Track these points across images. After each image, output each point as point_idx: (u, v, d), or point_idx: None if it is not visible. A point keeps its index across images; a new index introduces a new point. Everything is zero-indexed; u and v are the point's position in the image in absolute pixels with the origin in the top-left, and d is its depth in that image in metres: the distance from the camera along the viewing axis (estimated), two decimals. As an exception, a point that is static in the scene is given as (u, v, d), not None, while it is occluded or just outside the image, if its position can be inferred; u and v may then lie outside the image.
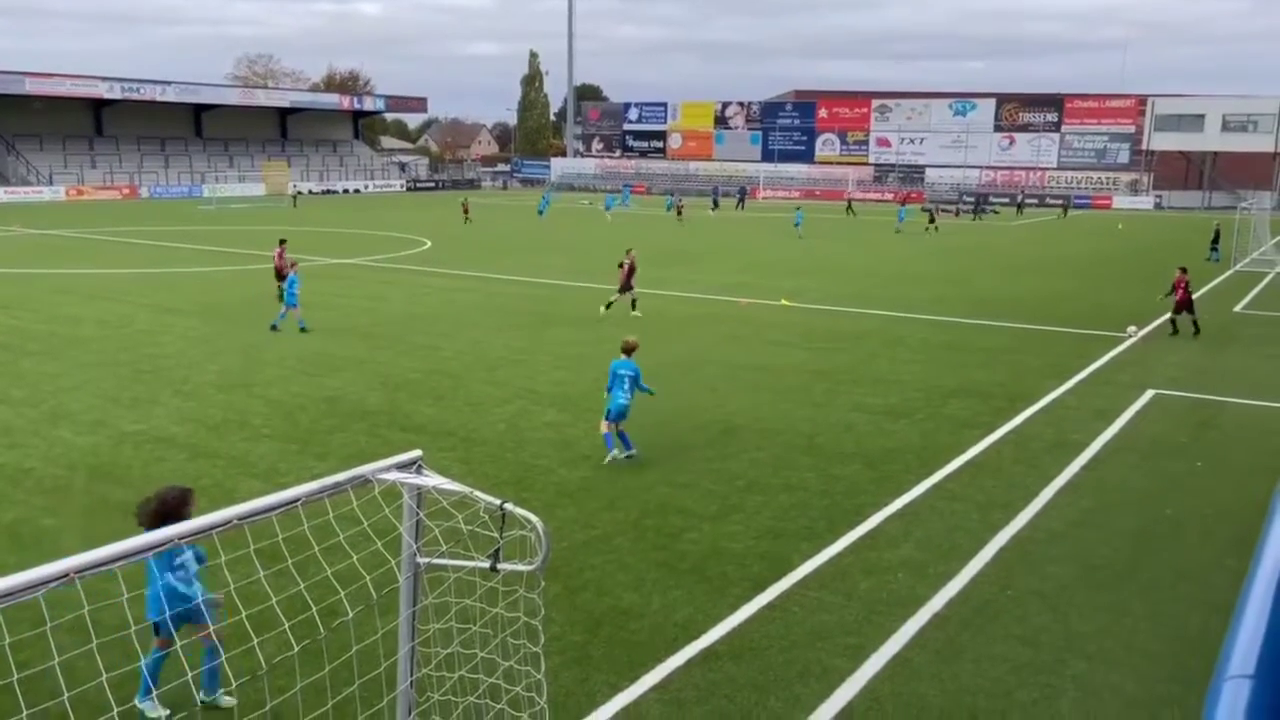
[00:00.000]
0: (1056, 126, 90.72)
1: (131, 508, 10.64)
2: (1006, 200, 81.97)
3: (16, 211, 59.59)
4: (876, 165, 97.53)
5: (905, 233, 52.16)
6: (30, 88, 76.69)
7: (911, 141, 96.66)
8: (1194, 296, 22.42)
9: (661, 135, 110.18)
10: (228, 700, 6.62)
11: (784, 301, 26.35)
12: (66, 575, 3.44)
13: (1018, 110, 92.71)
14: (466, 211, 56.47)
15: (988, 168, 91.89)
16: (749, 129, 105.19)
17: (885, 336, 21.74)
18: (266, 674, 5.29)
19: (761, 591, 8.75)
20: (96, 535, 9.73)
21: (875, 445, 13.35)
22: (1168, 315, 22.35)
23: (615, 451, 12.40)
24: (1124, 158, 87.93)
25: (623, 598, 8.63)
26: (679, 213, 60.42)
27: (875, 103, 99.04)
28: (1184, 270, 22.32)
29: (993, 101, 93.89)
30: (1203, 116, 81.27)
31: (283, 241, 26.07)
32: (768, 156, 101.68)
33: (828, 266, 36.23)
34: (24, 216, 55.17)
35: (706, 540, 9.95)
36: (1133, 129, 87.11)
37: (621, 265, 23.89)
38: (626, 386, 12.40)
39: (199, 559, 6.64)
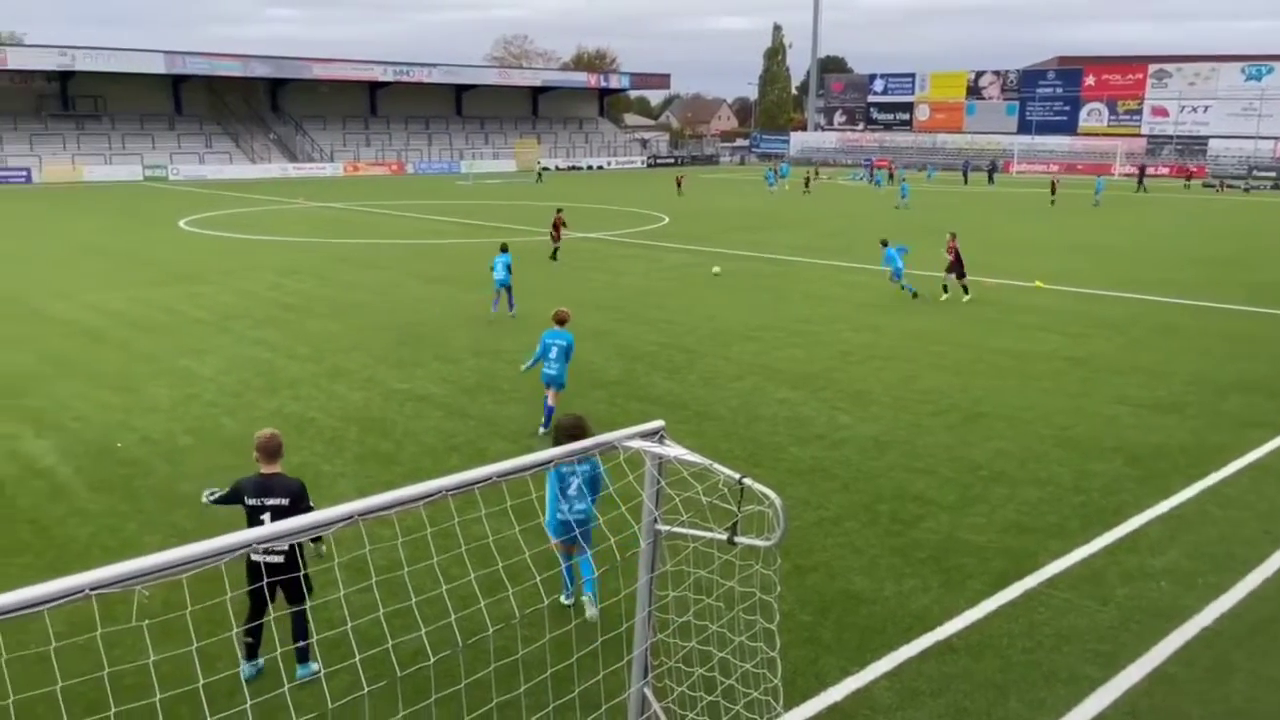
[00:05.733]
0: (1374, 90, 79.41)
1: (395, 458, 11.66)
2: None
3: (302, 186, 66.06)
4: (1150, 137, 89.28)
5: (1158, 207, 47.57)
6: (317, 72, 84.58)
7: (1193, 110, 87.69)
8: None
9: (908, 107, 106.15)
10: (591, 611, 7.10)
11: (1038, 283, 24.77)
12: (350, 518, 3.79)
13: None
14: (680, 185, 60.09)
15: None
16: (1004, 99, 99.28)
17: (1152, 323, 19.98)
18: (519, 622, 5.62)
19: (1004, 588, 8.33)
20: (367, 481, 10.72)
21: (1139, 441, 12.32)
22: None
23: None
24: None
25: (854, 582, 8.49)
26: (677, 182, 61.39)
27: (1152, 68, 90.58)
28: None
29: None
30: None
31: (560, 210, 29.92)
32: (1024, 128, 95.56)
33: (1087, 246, 33.68)
34: (307, 190, 61.06)
35: (945, 530, 9.58)
36: None
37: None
38: (553, 355, 12.18)
39: (592, 480, 7.05)
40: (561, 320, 12.49)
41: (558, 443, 6.78)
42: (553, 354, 12.21)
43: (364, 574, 4.66)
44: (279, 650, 6.30)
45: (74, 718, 3.87)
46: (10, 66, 71.47)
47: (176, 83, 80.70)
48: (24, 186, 66.18)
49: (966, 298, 22.27)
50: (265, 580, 6.26)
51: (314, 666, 6.74)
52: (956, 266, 22.29)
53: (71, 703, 4.54)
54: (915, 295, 22.58)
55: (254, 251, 31.55)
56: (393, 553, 4.79)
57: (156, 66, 76.21)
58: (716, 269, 26.58)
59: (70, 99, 77.06)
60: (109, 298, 22.45)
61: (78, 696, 5.83)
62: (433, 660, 4.41)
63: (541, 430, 12.37)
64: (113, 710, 3.71)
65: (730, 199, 56.82)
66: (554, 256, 28.70)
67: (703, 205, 50.97)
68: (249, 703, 3.64)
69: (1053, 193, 54.33)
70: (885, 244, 23.67)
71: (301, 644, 6.74)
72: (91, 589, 3.06)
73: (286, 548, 6.37)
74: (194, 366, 16.04)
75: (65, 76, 75.21)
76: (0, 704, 3.85)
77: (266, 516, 6.43)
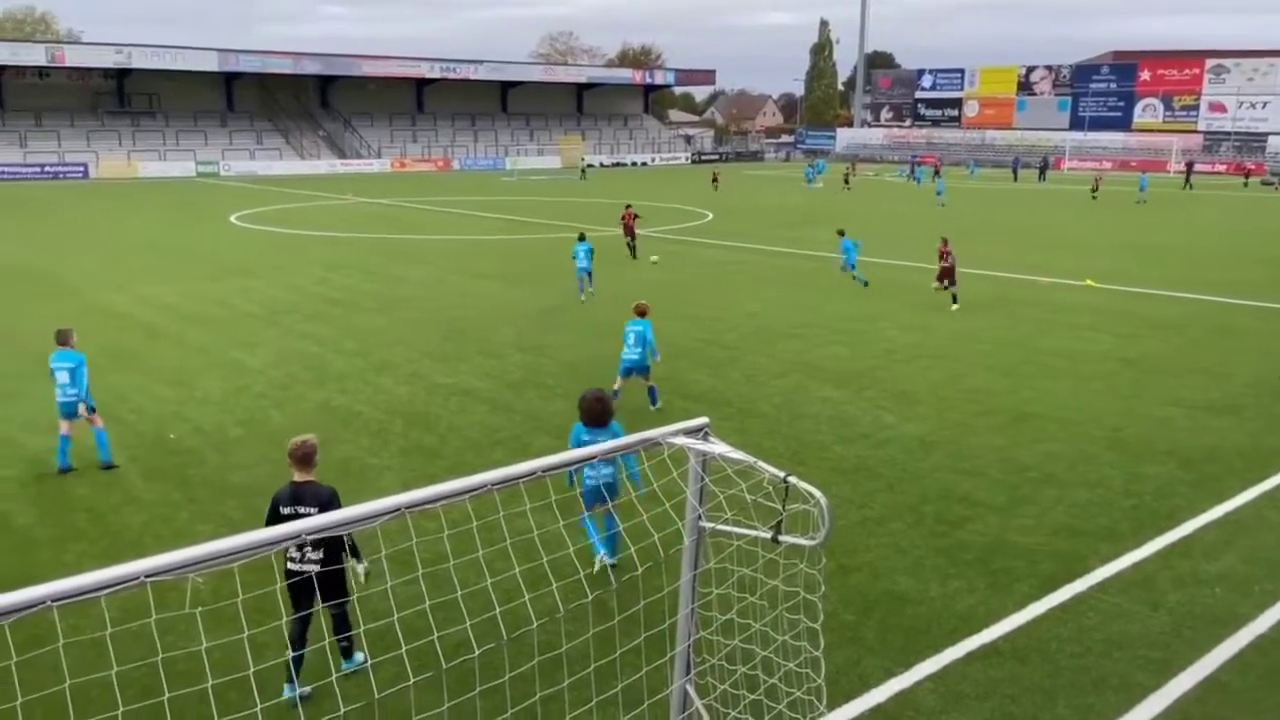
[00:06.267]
0: None
1: (439, 452, 11.76)
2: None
3: (350, 182, 66.82)
4: (1207, 133, 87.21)
5: (1211, 205, 46.49)
6: (365, 69, 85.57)
7: (1252, 106, 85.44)
8: None
9: (956, 103, 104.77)
10: (608, 560, 8.03)
11: (1089, 283, 24.32)
12: (398, 510, 3.82)
13: (1392, 66, 79.37)
14: (716, 181, 60.47)
15: (1347, 134, 79.55)
16: (1056, 94, 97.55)
17: (1208, 324, 19.53)
18: (563, 617, 5.65)
19: (1052, 591, 8.20)
20: (412, 475, 10.82)
21: (1193, 444, 12.06)
22: None
23: (655, 406, 13.41)
24: None
25: (898, 582, 8.40)
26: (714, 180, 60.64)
27: (1209, 63, 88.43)
28: None
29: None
30: None
31: (629, 206, 29.39)
32: (1077, 124, 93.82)
33: (1140, 245, 33.04)
34: (356, 186, 61.75)
35: (992, 532, 9.45)
36: None
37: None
38: (631, 341, 13.13)
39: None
40: (641, 312, 13.46)
41: (583, 410, 8.12)
42: (630, 339, 13.14)
43: (409, 566, 4.71)
44: (326, 640, 6.37)
45: (128, 703, 3.96)
46: (68, 64, 73.18)
47: (229, 80, 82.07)
48: (81, 182, 67.74)
49: (954, 307, 20.82)
50: (304, 589, 6.22)
51: (360, 657, 6.77)
52: (948, 273, 21.08)
53: (125, 687, 4.64)
54: (866, 284, 23.05)
55: (303, 247, 32.01)
56: (437, 545, 4.82)
57: (210, 64, 77.55)
58: (654, 258, 27.29)
59: (126, 96, 78.64)
60: (163, 291, 22.91)
61: (131, 682, 5.96)
62: (477, 653, 4.45)
63: (653, 409, 13.34)
64: (166, 695, 3.79)
65: (771, 195, 56.53)
66: (633, 254, 28.18)
67: (744, 202, 50.78)
68: (297, 690, 3.70)
69: (1094, 190, 52.99)
70: (842, 234, 24.37)
71: (344, 641, 6.72)
72: (147, 576, 3.12)
73: (322, 555, 6.38)
74: (244, 359, 16.32)
75: (121, 74, 76.80)
76: (57, 688, 3.94)
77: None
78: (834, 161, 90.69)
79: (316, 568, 6.34)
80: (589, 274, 21.91)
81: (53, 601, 2.93)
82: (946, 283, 21.20)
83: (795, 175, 74.90)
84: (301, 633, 6.53)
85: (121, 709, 3.62)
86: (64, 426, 11.08)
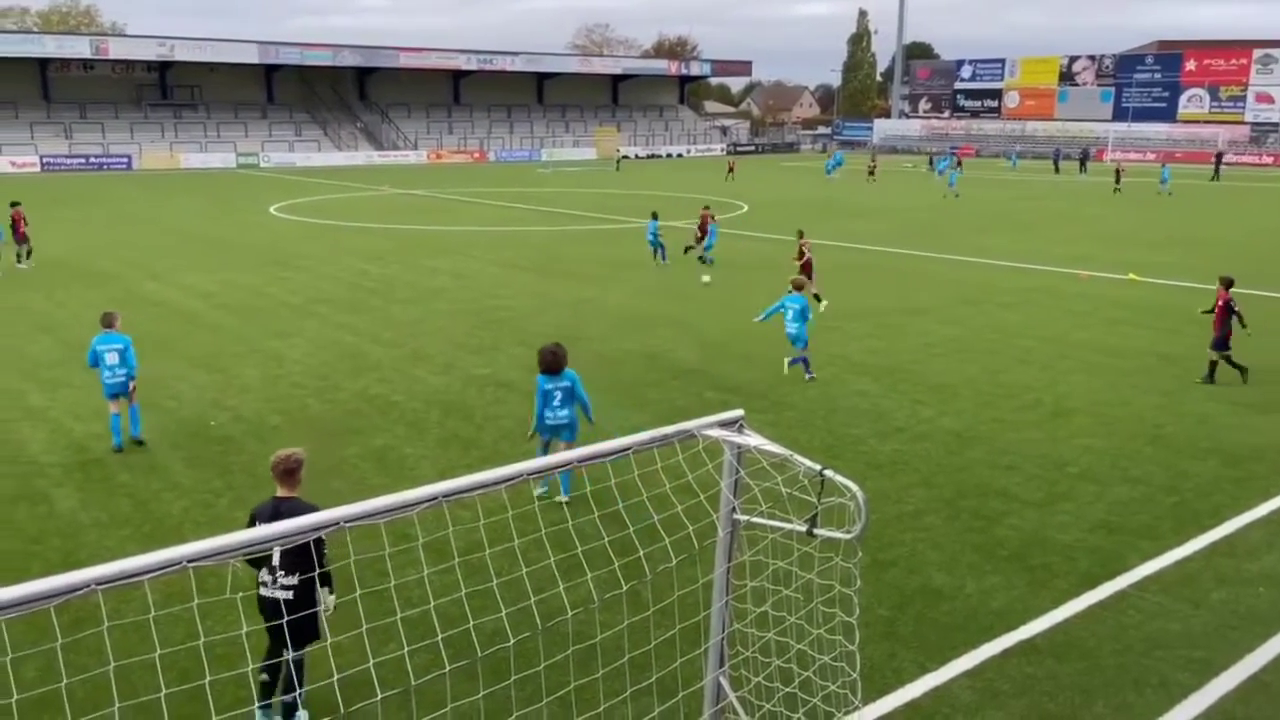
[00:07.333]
0: None
1: (476, 442, 11.84)
2: None
3: (387, 173, 67.30)
4: (1254, 125, 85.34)
5: (1251, 198, 45.45)
6: (403, 61, 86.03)
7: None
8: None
9: (996, 94, 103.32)
10: (564, 496, 8.76)
11: (1131, 276, 23.92)
12: (435, 499, 3.85)
13: None
14: (731, 171, 62.01)
15: (1402, 125, 77.48)
16: (1099, 85, 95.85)
17: (1251, 320, 19.08)
18: (597, 607, 5.65)
19: (1091, 588, 8.09)
20: (448, 465, 10.90)
21: (1237, 441, 11.83)
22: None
23: (808, 375, 14.53)
24: None
25: (933, 578, 8.33)
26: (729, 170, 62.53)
27: (1257, 53, 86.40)
28: (1226, 285, 15.19)
29: None
30: None
31: (706, 207, 28.99)
32: (1120, 115, 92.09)
33: (1187, 238, 32.42)
34: (392, 177, 62.19)
35: (1029, 528, 9.34)
36: None
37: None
38: (791, 316, 14.28)
39: (570, 388, 9.57)
40: (799, 286, 14.72)
41: (540, 361, 9.53)
42: (789, 315, 14.39)
43: (445, 555, 4.75)
44: (363, 627, 6.43)
45: (169, 685, 4.02)
46: (112, 56, 74.32)
47: (269, 72, 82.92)
48: (125, 173, 68.83)
49: (822, 306, 19.31)
50: (274, 617, 5.68)
51: (302, 717, 6.04)
52: (806, 270, 19.85)
53: (165, 670, 4.73)
54: (711, 262, 25.49)
55: (340, 237, 32.30)
56: (473, 534, 4.86)
57: (250, 56, 78.40)
58: (706, 278, 23.99)
59: (169, 88, 79.77)
60: (203, 280, 23.23)
61: (171, 665, 6.07)
62: (512, 642, 4.47)
63: (808, 378, 14.45)
64: (207, 679, 3.85)
65: (796, 187, 56.13)
66: (689, 250, 27.10)
67: (774, 194, 50.49)
68: (334, 676, 3.74)
69: (1117, 181, 51.72)
70: (655, 216, 26.82)
71: (289, 696, 5.98)
72: (189, 561, 3.17)
73: (296, 582, 5.76)
74: (282, 349, 16.51)
75: (164, 66, 77.86)
76: (100, 671, 4.01)
77: (277, 549, 5.40)
78: (868, 152, 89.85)
79: (289, 595, 5.77)
80: (658, 247, 25.53)
81: (98, 585, 2.98)
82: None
83: (817, 167, 74.36)
84: (275, 665, 5.94)
85: (164, 691, 3.68)
86: (113, 406, 11.34)
